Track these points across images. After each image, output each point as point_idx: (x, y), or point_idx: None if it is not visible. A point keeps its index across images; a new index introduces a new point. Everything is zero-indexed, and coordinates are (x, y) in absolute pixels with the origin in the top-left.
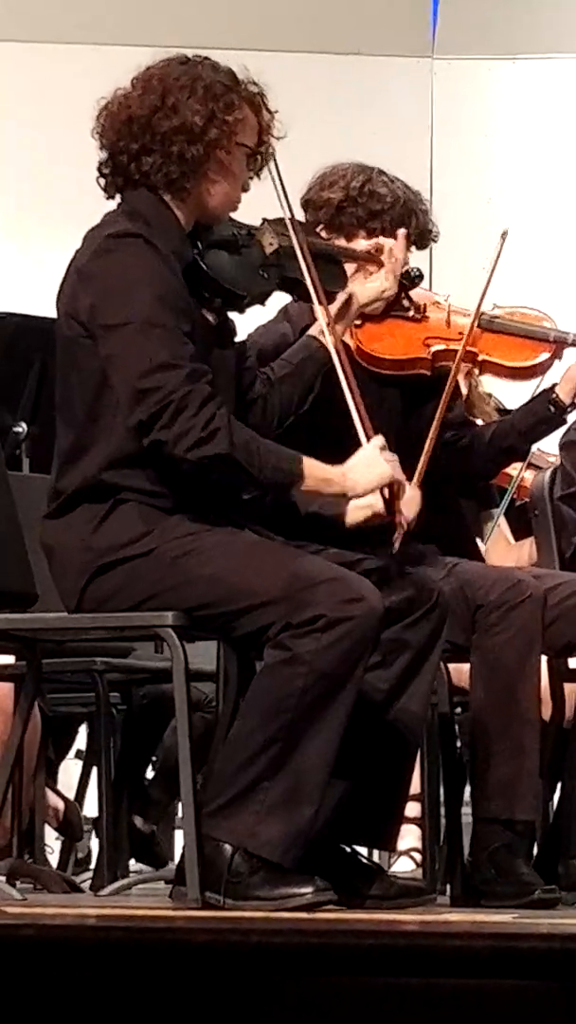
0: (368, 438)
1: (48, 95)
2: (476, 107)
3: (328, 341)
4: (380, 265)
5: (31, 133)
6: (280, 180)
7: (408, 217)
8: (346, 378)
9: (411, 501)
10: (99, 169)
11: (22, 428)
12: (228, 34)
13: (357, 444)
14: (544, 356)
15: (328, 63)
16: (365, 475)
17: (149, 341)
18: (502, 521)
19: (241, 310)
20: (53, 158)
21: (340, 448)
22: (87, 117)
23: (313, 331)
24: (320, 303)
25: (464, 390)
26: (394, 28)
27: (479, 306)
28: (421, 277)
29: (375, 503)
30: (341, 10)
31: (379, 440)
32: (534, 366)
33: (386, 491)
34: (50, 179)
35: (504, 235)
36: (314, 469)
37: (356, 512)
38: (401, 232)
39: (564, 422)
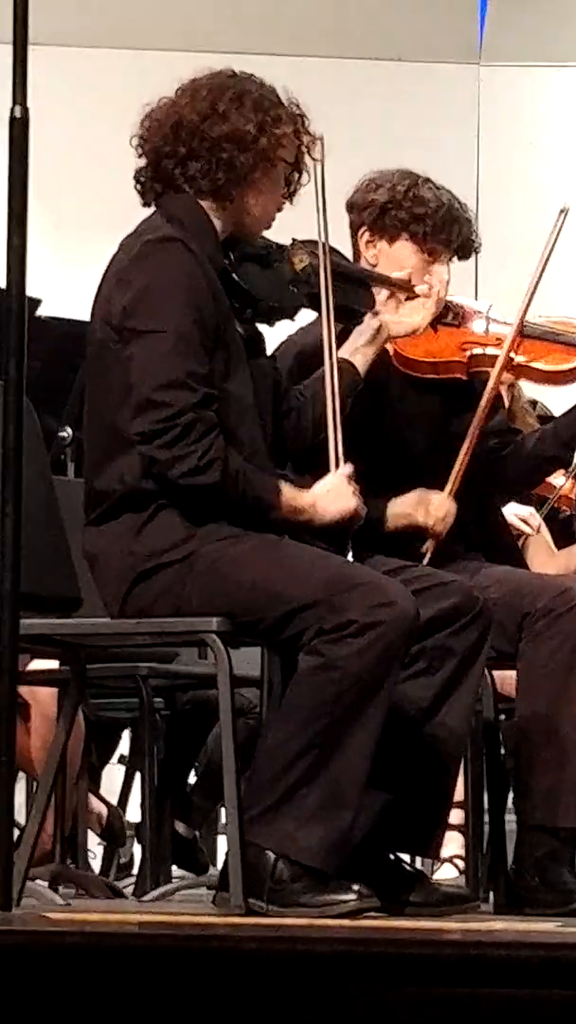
0: (338, 464)
1: (88, 99)
2: (524, 115)
3: (327, 363)
4: (411, 293)
5: (71, 138)
6: (323, 199)
7: (451, 224)
8: (333, 400)
9: (445, 513)
10: (136, 176)
11: (67, 433)
12: (269, 39)
13: (336, 465)
14: None
15: (372, 69)
16: (331, 505)
17: (172, 353)
18: (544, 530)
19: (270, 323)
20: (95, 163)
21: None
22: (127, 122)
23: (344, 352)
24: (327, 327)
25: (506, 402)
26: (440, 34)
27: (535, 284)
28: (447, 309)
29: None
30: (386, 15)
31: (347, 468)
32: (569, 371)
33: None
34: (93, 185)
35: (564, 211)
36: (288, 499)
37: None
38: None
39: None
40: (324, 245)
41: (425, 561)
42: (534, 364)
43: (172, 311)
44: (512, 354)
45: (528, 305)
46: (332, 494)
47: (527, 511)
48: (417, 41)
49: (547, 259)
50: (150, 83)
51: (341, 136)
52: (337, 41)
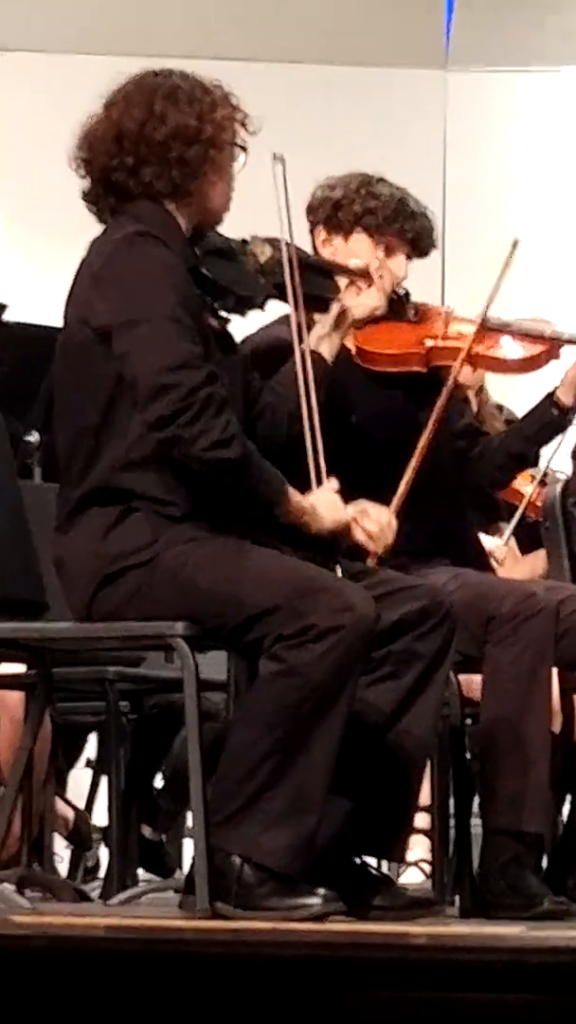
0: (320, 481)
1: (54, 104)
2: (490, 119)
3: (297, 348)
4: (370, 281)
5: (35, 144)
6: (287, 201)
7: (405, 216)
8: (310, 418)
9: (380, 529)
10: (85, 197)
11: (34, 437)
12: (235, 44)
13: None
14: (538, 349)
15: (340, 75)
16: (329, 516)
17: (169, 337)
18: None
19: (244, 313)
20: (59, 168)
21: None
22: None
23: (312, 342)
24: (296, 309)
25: (474, 407)
26: (407, 39)
27: (484, 310)
28: (408, 296)
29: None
30: (352, 20)
31: (335, 484)
32: (527, 359)
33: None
34: (57, 189)
35: (515, 244)
36: (293, 495)
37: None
38: (397, 256)
39: (569, 423)
40: (289, 246)
41: None
42: (492, 353)
43: (157, 299)
44: (474, 345)
45: (486, 312)
46: (329, 504)
47: (494, 543)
48: (384, 46)
49: (496, 290)
50: (107, 87)
51: (307, 141)
52: (304, 46)
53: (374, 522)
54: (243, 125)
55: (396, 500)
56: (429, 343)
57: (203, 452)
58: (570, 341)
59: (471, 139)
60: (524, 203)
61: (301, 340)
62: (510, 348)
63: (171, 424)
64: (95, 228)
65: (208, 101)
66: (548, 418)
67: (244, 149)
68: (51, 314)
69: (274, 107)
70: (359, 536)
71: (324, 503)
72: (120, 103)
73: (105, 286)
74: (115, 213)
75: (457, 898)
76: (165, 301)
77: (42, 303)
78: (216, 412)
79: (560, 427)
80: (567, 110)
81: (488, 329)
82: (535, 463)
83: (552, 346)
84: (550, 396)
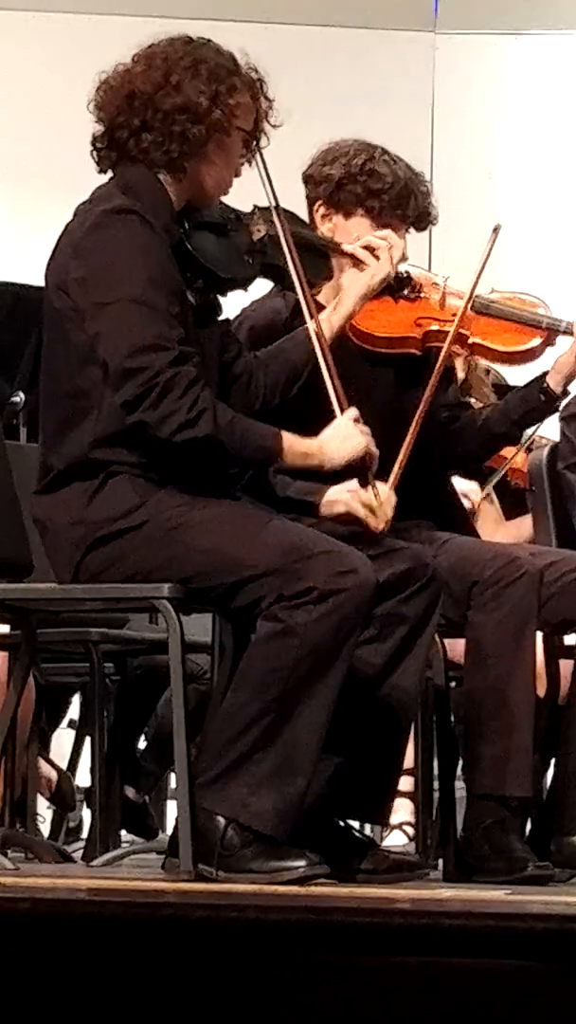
0: (342, 410)
1: (44, 65)
2: (478, 83)
3: (309, 327)
4: (375, 256)
5: (27, 103)
6: (266, 169)
7: (407, 199)
8: (323, 355)
9: (386, 504)
10: (93, 143)
11: (20, 398)
12: (228, 6)
13: (331, 415)
14: (535, 342)
15: (329, 36)
16: (341, 447)
17: (138, 320)
18: (494, 500)
19: (223, 293)
20: (50, 128)
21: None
22: (83, 88)
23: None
24: (303, 292)
25: (461, 374)
26: (397, 2)
27: (470, 294)
28: (409, 280)
29: (350, 502)
30: None
31: (353, 412)
32: (524, 351)
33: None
34: (47, 149)
35: (496, 230)
36: (293, 444)
37: (330, 506)
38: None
39: (555, 410)
40: (279, 211)
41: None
42: (490, 344)
43: (131, 280)
44: (465, 331)
45: (465, 309)
46: (339, 436)
47: (470, 486)
48: (373, 8)
49: (480, 273)
50: (109, 49)
51: (295, 104)
52: (293, 7)
53: (375, 497)
54: (263, 116)
55: (393, 476)
56: (426, 327)
57: (171, 435)
58: (567, 332)
59: (459, 102)
60: (511, 166)
61: (313, 321)
62: (508, 339)
63: (136, 409)
64: (82, 189)
65: (229, 84)
66: (535, 403)
67: (257, 139)
68: (37, 274)
69: (262, 68)
70: (360, 511)
71: (332, 438)
72: (143, 61)
73: (81, 259)
74: (112, 168)
75: (441, 862)
76: (136, 283)
77: (27, 263)
78: (181, 393)
79: (546, 413)
80: (555, 75)
81: (484, 315)
82: (516, 442)
83: (549, 335)
84: (540, 381)
